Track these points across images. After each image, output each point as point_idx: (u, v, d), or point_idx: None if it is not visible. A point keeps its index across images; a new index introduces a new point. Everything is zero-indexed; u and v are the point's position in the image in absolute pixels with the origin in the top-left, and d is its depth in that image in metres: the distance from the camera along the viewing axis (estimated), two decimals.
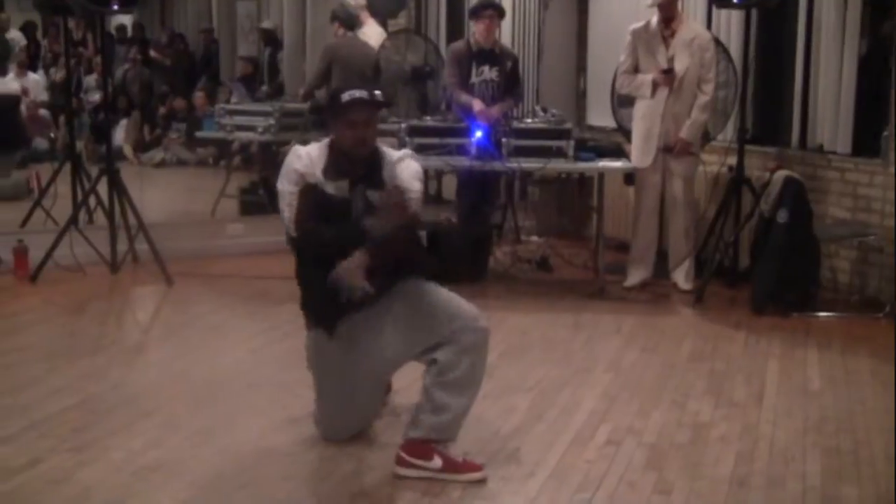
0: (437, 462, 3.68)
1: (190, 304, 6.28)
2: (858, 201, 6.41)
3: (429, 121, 6.78)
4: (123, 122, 12.28)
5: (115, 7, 6.82)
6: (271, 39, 12.71)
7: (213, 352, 5.30)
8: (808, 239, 6.09)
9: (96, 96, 11.60)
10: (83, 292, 6.46)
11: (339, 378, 3.91)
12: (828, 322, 5.94)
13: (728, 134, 7.02)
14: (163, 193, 9.66)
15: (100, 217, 7.25)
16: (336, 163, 3.84)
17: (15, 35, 13.41)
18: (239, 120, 8.35)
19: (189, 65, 14.49)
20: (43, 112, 11.60)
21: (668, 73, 6.44)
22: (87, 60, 12.59)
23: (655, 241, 6.83)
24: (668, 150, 6.55)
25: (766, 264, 6.13)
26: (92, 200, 7.23)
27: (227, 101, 10.45)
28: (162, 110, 12.67)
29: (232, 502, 3.49)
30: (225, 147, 9.83)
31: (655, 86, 6.49)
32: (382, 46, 8.13)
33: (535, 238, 8.08)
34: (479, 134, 6.35)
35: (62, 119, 10.25)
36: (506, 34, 8.55)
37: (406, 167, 3.87)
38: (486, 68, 6.83)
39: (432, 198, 8.74)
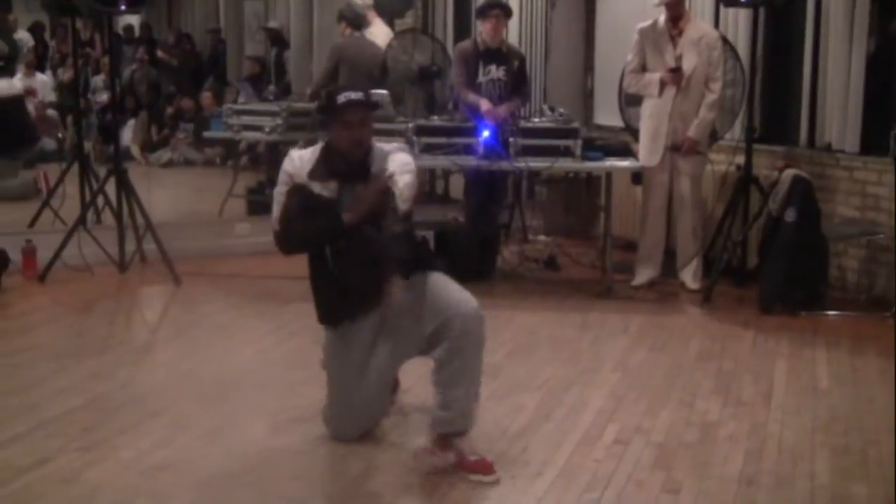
0: (451, 457, 3.70)
1: (198, 304, 6.29)
2: (867, 200, 6.39)
3: (436, 120, 6.78)
4: (131, 123, 12.31)
5: (123, 7, 6.82)
6: (278, 39, 12.73)
7: (222, 351, 5.31)
8: (817, 238, 6.07)
9: (104, 96, 11.64)
10: (91, 292, 6.47)
11: (349, 377, 3.93)
12: (836, 321, 5.93)
13: (736, 133, 7.00)
14: (170, 193, 9.68)
15: (108, 217, 7.27)
16: (328, 164, 3.89)
17: (23, 36, 13.46)
18: (246, 120, 8.35)
19: (196, 65, 14.53)
20: (51, 112, 11.64)
21: (676, 71, 6.43)
22: (94, 61, 12.62)
23: (663, 241, 6.82)
24: (675, 149, 6.54)
25: (774, 263, 6.12)
26: (100, 200, 7.26)
27: (235, 101, 10.47)
28: (169, 110, 12.70)
29: (241, 501, 3.49)
30: (232, 147, 9.84)
31: (663, 85, 6.48)
32: (389, 46, 8.13)
33: (542, 237, 8.07)
34: (486, 133, 6.34)
35: (70, 119, 10.27)
36: (513, 33, 8.54)
37: (395, 158, 3.87)
38: (493, 67, 6.82)
39: (440, 197, 8.75)
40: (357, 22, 8.37)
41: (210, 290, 6.62)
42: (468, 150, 6.40)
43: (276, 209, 3.91)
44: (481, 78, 6.82)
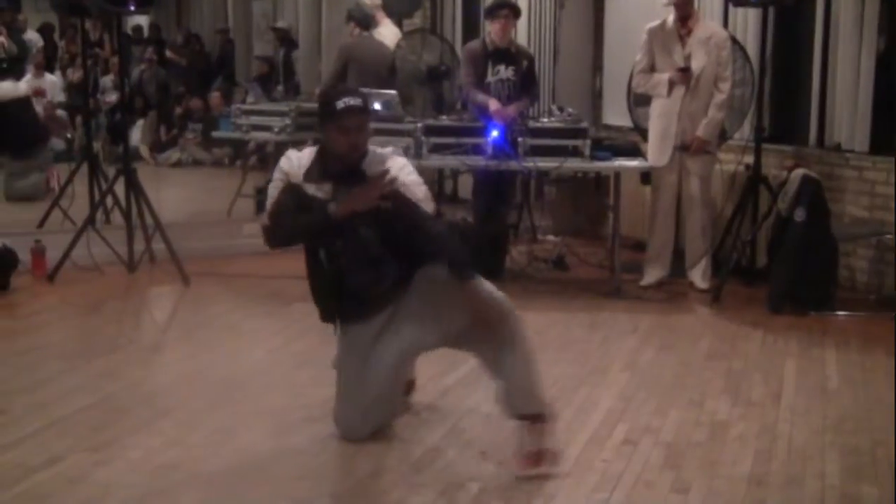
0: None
1: (206, 304, 6.29)
2: (876, 200, 6.38)
3: (445, 120, 6.78)
4: (140, 123, 12.35)
5: (132, 8, 6.83)
6: (287, 39, 12.74)
7: (230, 351, 5.31)
8: (826, 238, 6.06)
9: (113, 97, 11.68)
10: (100, 292, 6.49)
11: (356, 376, 3.94)
12: (845, 321, 5.92)
13: (745, 132, 7.00)
14: (179, 193, 9.71)
15: (117, 217, 7.28)
16: (323, 166, 3.90)
17: (32, 36, 13.51)
18: (255, 120, 8.35)
19: (205, 65, 14.57)
20: (60, 113, 11.68)
21: (685, 71, 6.42)
22: (103, 61, 12.66)
23: (672, 240, 6.81)
24: (684, 148, 6.54)
25: (783, 263, 6.11)
26: (109, 200, 7.27)
27: (243, 101, 10.49)
28: (178, 110, 12.73)
29: (249, 501, 3.49)
30: (241, 147, 9.86)
31: (672, 84, 6.47)
32: (398, 46, 8.14)
33: (551, 237, 8.06)
34: (495, 133, 6.33)
35: (79, 119, 10.31)
36: (521, 33, 8.55)
37: (396, 162, 3.91)
38: (501, 67, 6.81)
39: (448, 197, 8.75)
40: (366, 22, 8.38)
41: (219, 290, 6.63)
42: (477, 150, 6.40)
43: (268, 204, 3.95)
44: (490, 78, 6.81)
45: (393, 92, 7.08)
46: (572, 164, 6.44)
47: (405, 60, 7.96)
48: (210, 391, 4.60)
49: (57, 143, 10.38)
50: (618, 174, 6.67)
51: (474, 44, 7.08)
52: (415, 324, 3.88)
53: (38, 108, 10.53)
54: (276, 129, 8.14)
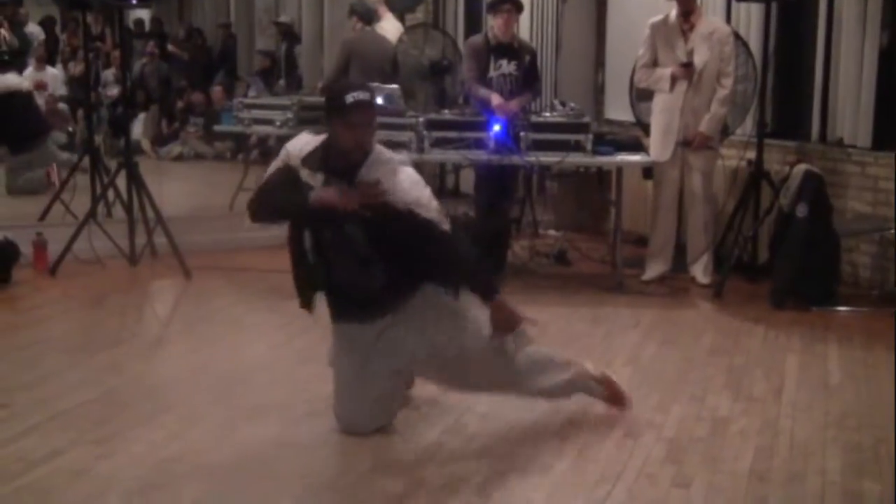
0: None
1: (208, 298, 6.29)
2: (879, 195, 6.37)
3: (447, 115, 6.77)
4: (141, 117, 12.33)
5: (134, 2, 6.85)
6: (289, 34, 12.73)
7: (233, 345, 5.31)
8: (828, 233, 6.06)
9: (114, 90, 11.67)
10: (102, 285, 6.49)
11: (354, 374, 3.95)
12: (848, 317, 5.91)
13: (747, 128, 6.98)
14: (181, 187, 9.71)
15: (118, 210, 7.29)
16: (323, 156, 3.86)
17: (34, 29, 13.52)
18: (257, 114, 8.35)
19: (207, 59, 14.57)
20: (61, 106, 11.67)
21: (687, 66, 6.41)
22: (105, 55, 12.65)
23: (674, 235, 6.81)
24: (686, 144, 6.53)
25: (785, 259, 6.11)
26: (110, 194, 7.27)
27: (245, 95, 10.48)
28: (180, 104, 12.73)
29: (251, 495, 3.50)
30: (243, 141, 9.85)
31: (674, 79, 6.47)
32: (400, 41, 8.13)
33: (553, 232, 8.07)
34: (497, 128, 6.33)
35: (80, 113, 10.30)
36: (524, 28, 8.52)
37: (406, 178, 3.83)
38: (504, 62, 6.80)
39: (450, 192, 8.74)
40: (368, 16, 8.38)
41: (221, 285, 6.63)
42: (479, 144, 6.39)
43: (262, 180, 3.98)
44: (492, 72, 6.79)
45: (395, 86, 7.07)
46: (574, 158, 6.44)
47: (407, 55, 7.95)
48: (212, 385, 4.60)
49: (58, 137, 10.36)
50: (620, 169, 6.67)
51: (476, 38, 7.07)
52: (416, 331, 3.90)
53: (40, 101, 10.52)
54: (277, 124, 8.14)
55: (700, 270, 6.67)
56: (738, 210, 6.67)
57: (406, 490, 3.51)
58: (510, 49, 6.81)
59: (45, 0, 14.69)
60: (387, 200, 3.72)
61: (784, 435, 4.06)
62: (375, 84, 6.99)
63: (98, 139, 8.63)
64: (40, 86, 11.29)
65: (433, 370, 4.05)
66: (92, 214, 6.95)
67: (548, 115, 6.78)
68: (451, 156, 6.55)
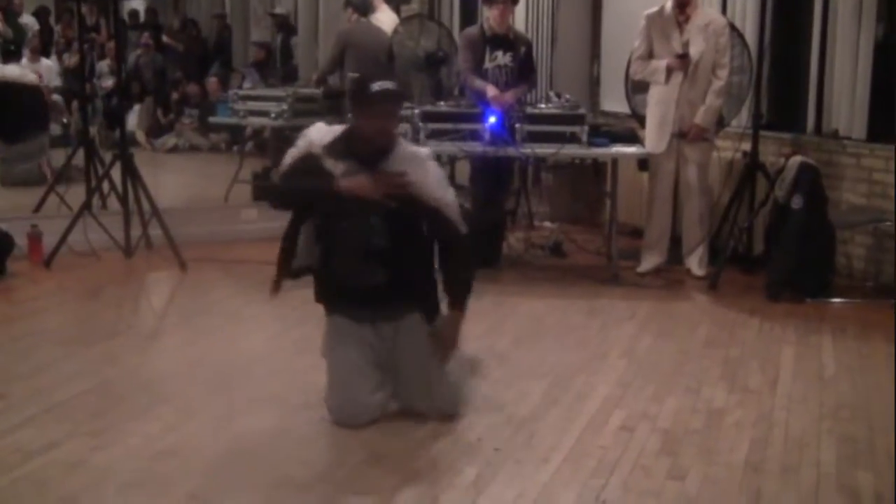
0: None
1: (204, 290, 6.29)
2: (874, 187, 6.38)
3: (442, 106, 6.76)
4: (136, 108, 12.31)
5: None
6: (284, 25, 12.71)
7: (229, 337, 5.31)
8: (823, 225, 6.07)
9: (109, 82, 11.65)
10: (98, 277, 6.48)
11: (349, 369, 3.97)
12: (843, 308, 5.92)
13: (743, 119, 6.99)
14: (176, 179, 9.70)
15: (113, 202, 7.27)
16: (346, 145, 3.88)
17: (28, 20, 13.46)
18: (252, 105, 8.34)
19: (202, 50, 14.52)
20: (56, 97, 11.62)
21: (683, 58, 6.41)
22: (99, 46, 12.62)
23: (669, 227, 6.81)
24: (682, 135, 6.53)
25: (780, 251, 6.12)
26: (105, 186, 7.26)
27: (240, 87, 10.47)
28: (175, 96, 12.70)
29: (247, 487, 3.50)
30: (238, 132, 9.84)
31: (670, 71, 6.46)
32: (395, 32, 8.12)
33: (548, 224, 8.07)
34: (492, 119, 6.33)
35: (75, 104, 10.28)
36: (519, 19, 8.53)
37: (434, 175, 3.94)
38: (499, 54, 6.79)
39: None
40: (363, 8, 8.37)
41: (216, 276, 6.63)
42: (474, 136, 6.39)
43: (283, 166, 3.98)
44: (487, 64, 6.79)
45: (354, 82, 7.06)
46: (570, 150, 6.44)
47: (403, 46, 7.94)
48: (208, 377, 4.60)
49: (53, 129, 10.33)
50: (615, 161, 6.66)
51: (472, 30, 7.06)
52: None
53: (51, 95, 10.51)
54: (273, 115, 8.13)
55: (695, 262, 6.67)
56: (733, 202, 6.68)
57: (400, 482, 3.51)
58: (506, 40, 6.80)
59: None
60: (414, 193, 3.80)
61: (779, 426, 4.07)
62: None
63: (93, 131, 8.58)
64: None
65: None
66: (87, 206, 6.94)
67: (543, 107, 6.77)
68: (446, 147, 6.53)
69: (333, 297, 4.04)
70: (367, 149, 3.85)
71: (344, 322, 4.01)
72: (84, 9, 8.84)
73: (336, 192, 3.78)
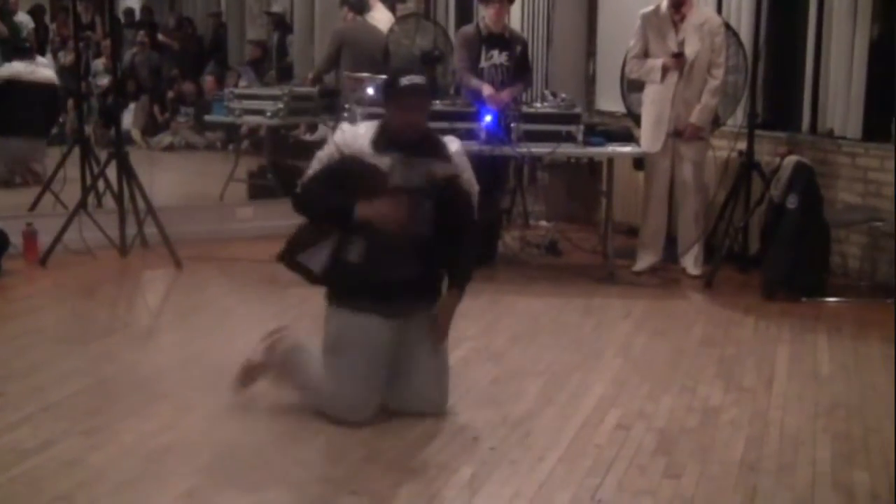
0: None
1: (200, 288, 6.29)
2: (869, 186, 6.39)
3: (438, 105, 6.74)
4: (132, 106, 12.29)
5: None
6: (280, 23, 12.70)
7: (225, 335, 5.30)
8: (819, 224, 6.08)
9: (105, 80, 11.63)
10: (93, 276, 6.48)
11: (373, 360, 3.96)
12: (838, 307, 5.93)
13: (738, 119, 6.99)
14: (171, 177, 9.67)
15: (109, 201, 7.26)
16: (386, 137, 3.95)
17: (23, 18, 13.43)
18: (248, 104, 8.34)
19: (198, 49, 14.52)
20: None
21: (679, 57, 6.42)
22: (95, 44, 12.59)
23: (665, 226, 6.82)
24: (678, 134, 6.54)
25: (776, 250, 6.13)
26: (101, 184, 7.25)
27: (236, 85, 10.46)
28: (170, 94, 12.69)
29: (243, 485, 3.49)
30: (233, 131, 9.84)
31: (665, 70, 6.47)
32: (391, 31, 8.12)
33: (544, 223, 8.07)
34: (488, 118, 6.33)
35: (71, 103, 10.27)
36: (515, 19, 8.53)
37: (465, 161, 4.13)
38: (495, 52, 6.80)
39: None
40: (359, 6, 8.36)
41: (212, 275, 6.63)
42: (470, 135, 6.37)
43: (310, 171, 4.02)
44: (483, 63, 6.79)
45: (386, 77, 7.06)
46: (565, 149, 6.44)
47: (399, 45, 7.94)
48: (204, 375, 4.59)
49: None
50: (611, 160, 6.68)
51: (468, 28, 7.06)
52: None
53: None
54: (268, 114, 8.13)
55: (691, 261, 6.68)
56: (728, 201, 6.69)
57: (397, 481, 3.51)
58: (502, 39, 6.81)
59: None
60: (459, 178, 4.02)
61: (774, 425, 4.07)
62: (366, 74, 7.00)
63: (88, 129, 8.59)
64: None
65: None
66: (82, 205, 6.93)
67: (539, 106, 6.79)
68: None
69: (366, 292, 3.94)
70: (398, 139, 3.93)
71: (363, 321, 3.93)
72: (79, 7, 8.81)
73: (357, 222, 3.84)
